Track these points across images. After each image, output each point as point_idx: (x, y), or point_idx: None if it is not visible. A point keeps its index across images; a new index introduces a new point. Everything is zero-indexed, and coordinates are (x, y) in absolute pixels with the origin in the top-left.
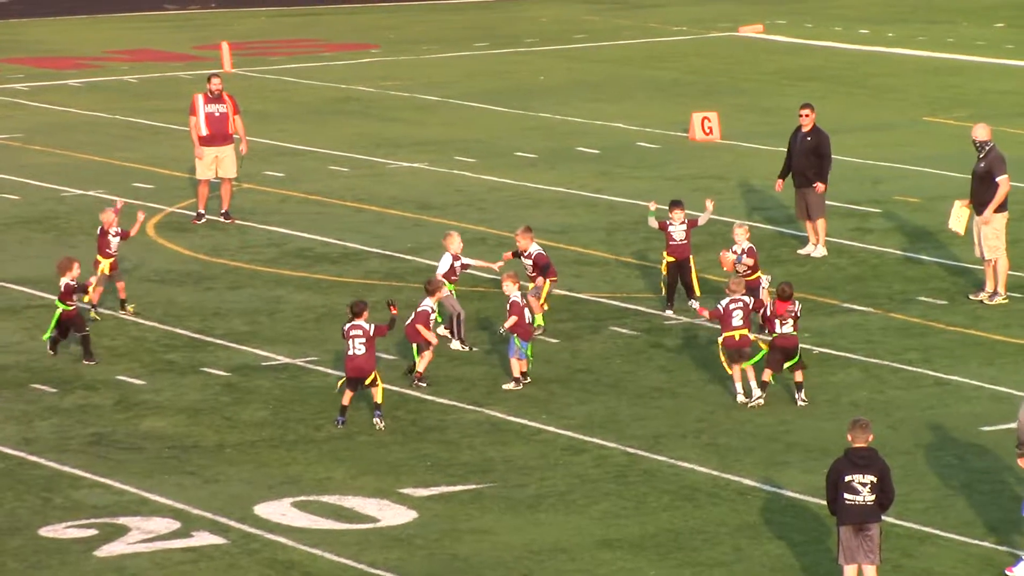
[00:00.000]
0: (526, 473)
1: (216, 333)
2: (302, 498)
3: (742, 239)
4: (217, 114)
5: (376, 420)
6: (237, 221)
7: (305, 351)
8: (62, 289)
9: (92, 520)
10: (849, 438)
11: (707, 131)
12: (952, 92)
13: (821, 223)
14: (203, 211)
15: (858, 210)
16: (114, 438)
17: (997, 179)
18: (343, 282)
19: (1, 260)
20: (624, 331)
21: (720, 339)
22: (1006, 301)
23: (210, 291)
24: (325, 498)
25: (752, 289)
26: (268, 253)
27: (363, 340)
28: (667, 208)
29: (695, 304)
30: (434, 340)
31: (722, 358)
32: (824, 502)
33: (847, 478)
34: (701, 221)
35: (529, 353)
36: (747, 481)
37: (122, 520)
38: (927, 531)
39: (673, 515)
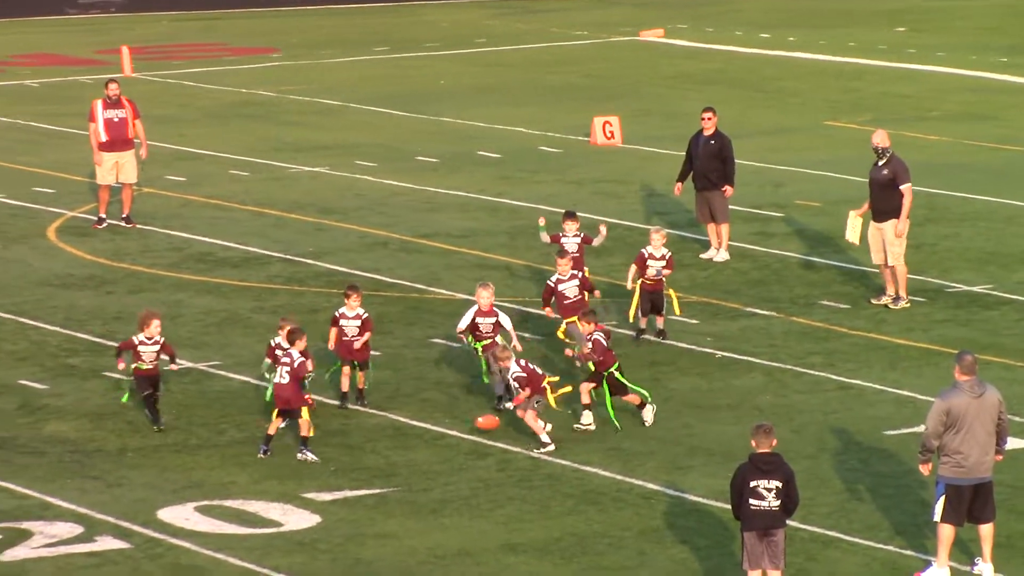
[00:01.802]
0: (430, 477)
1: (118, 337)
2: (205, 502)
3: (659, 244)
4: (116, 119)
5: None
6: (138, 226)
7: (207, 355)
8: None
9: None
10: (753, 443)
11: (608, 135)
12: (853, 96)
13: (725, 227)
14: (104, 215)
15: (760, 214)
16: (17, 442)
17: (901, 187)
18: (245, 286)
19: None
20: (526, 335)
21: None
22: (908, 305)
23: (111, 295)
24: (228, 502)
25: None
26: (169, 257)
27: (288, 370)
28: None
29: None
30: (331, 345)
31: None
32: (728, 506)
33: (752, 483)
34: (595, 243)
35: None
36: (651, 485)
37: (25, 525)
38: (831, 535)
39: (577, 519)
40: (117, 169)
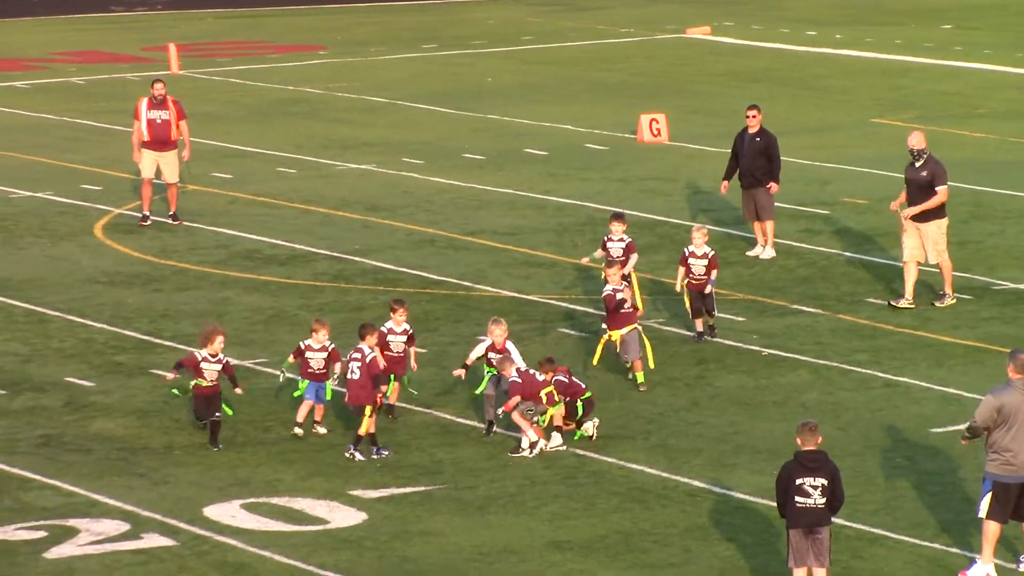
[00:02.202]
0: (476, 475)
1: (165, 335)
2: (252, 500)
3: (701, 243)
4: (159, 120)
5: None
6: (184, 223)
7: (254, 353)
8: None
9: (41, 522)
10: (798, 441)
11: (655, 133)
12: (899, 94)
13: (770, 224)
14: (148, 212)
15: (806, 212)
16: (63, 440)
17: (937, 188)
18: (291, 284)
19: None
20: (572, 332)
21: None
22: (954, 302)
23: (158, 292)
24: (275, 500)
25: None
26: (216, 255)
27: (359, 365)
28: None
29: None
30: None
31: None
32: (774, 504)
33: (798, 481)
34: (627, 269)
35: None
36: (696, 483)
37: (71, 522)
38: (877, 532)
39: (623, 517)
40: (158, 167)
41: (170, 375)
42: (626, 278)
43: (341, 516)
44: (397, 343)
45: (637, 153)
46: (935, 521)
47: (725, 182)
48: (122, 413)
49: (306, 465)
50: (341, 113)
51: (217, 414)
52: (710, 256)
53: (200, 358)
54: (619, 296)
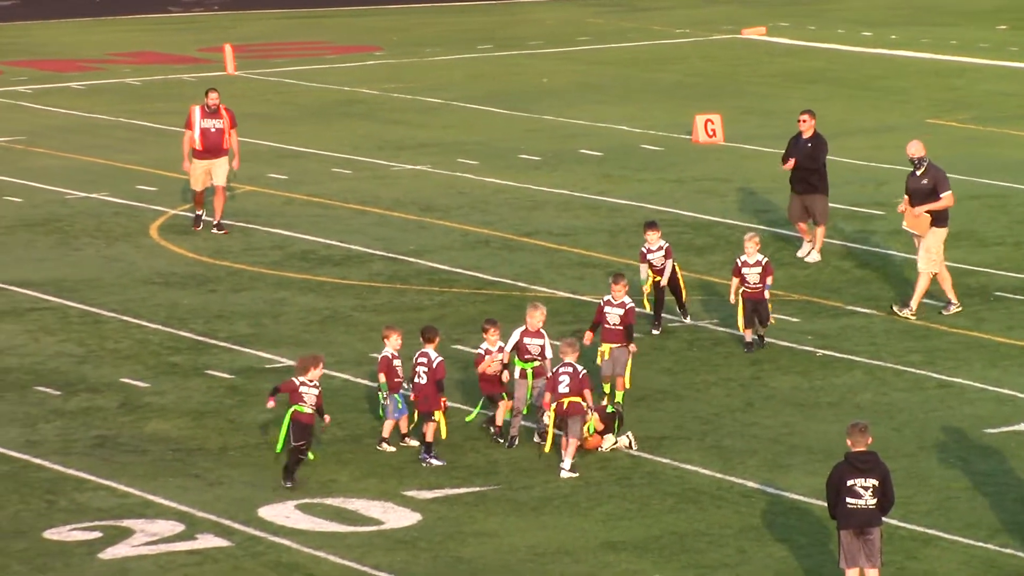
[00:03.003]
0: (530, 476)
1: (220, 336)
2: (306, 500)
3: (753, 251)
4: (213, 129)
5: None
6: (240, 224)
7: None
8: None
9: (96, 523)
10: (849, 442)
11: (710, 133)
12: (955, 94)
13: (822, 230)
14: (200, 213)
15: (862, 212)
16: (118, 441)
17: (942, 195)
18: (347, 284)
19: (4, 263)
20: None
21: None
22: (960, 309)
23: (214, 293)
24: (329, 500)
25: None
26: (272, 255)
27: (426, 370)
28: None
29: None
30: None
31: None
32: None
33: (849, 482)
34: (665, 279)
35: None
36: (751, 483)
37: (126, 523)
38: (931, 533)
39: (677, 517)
40: (209, 174)
41: (269, 403)
42: (673, 281)
43: (396, 517)
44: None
45: (692, 154)
46: (989, 522)
47: (789, 162)
48: (177, 414)
49: (360, 466)
50: (397, 114)
51: (304, 449)
52: (764, 263)
53: (298, 383)
54: (608, 310)
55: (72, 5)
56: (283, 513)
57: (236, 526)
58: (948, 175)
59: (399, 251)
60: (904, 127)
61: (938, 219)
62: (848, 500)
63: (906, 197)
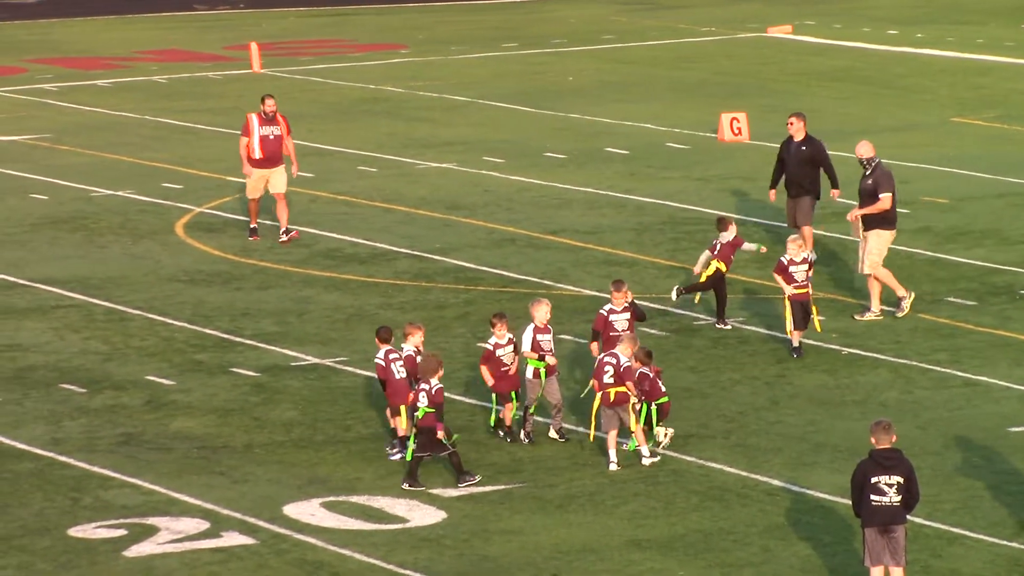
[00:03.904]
0: (555, 474)
1: (245, 333)
2: (331, 498)
3: (796, 251)
4: (271, 136)
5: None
6: (266, 222)
7: (334, 351)
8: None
9: (121, 520)
10: (873, 440)
11: (736, 132)
12: (980, 93)
13: (808, 229)
14: (255, 226)
15: None
16: (143, 438)
17: (881, 195)
18: (372, 282)
19: (30, 260)
20: (653, 332)
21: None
22: (878, 318)
23: (239, 291)
24: (354, 498)
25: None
26: (297, 253)
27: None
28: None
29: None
30: (490, 382)
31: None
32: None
33: (873, 480)
34: (746, 247)
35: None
36: (775, 482)
37: (151, 520)
38: (955, 532)
39: (702, 516)
40: (267, 183)
41: (395, 425)
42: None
43: (420, 515)
44: (507, 356)
45: (718, 152)
46: (1014, 520)
47: (772, 190)
48: (202, 412)
49: (385, 464)
50: (422, 112)
51: (450, 445)
52: (811, 261)
53: (419, 389)
54: (613, 318)
55: (98, 3)
56: (308, 511)
57: (261, 524)
58: (971, 173)
59: (425, 249)
60: (929, 125)
61: (881, 221)
62: (872, 497)
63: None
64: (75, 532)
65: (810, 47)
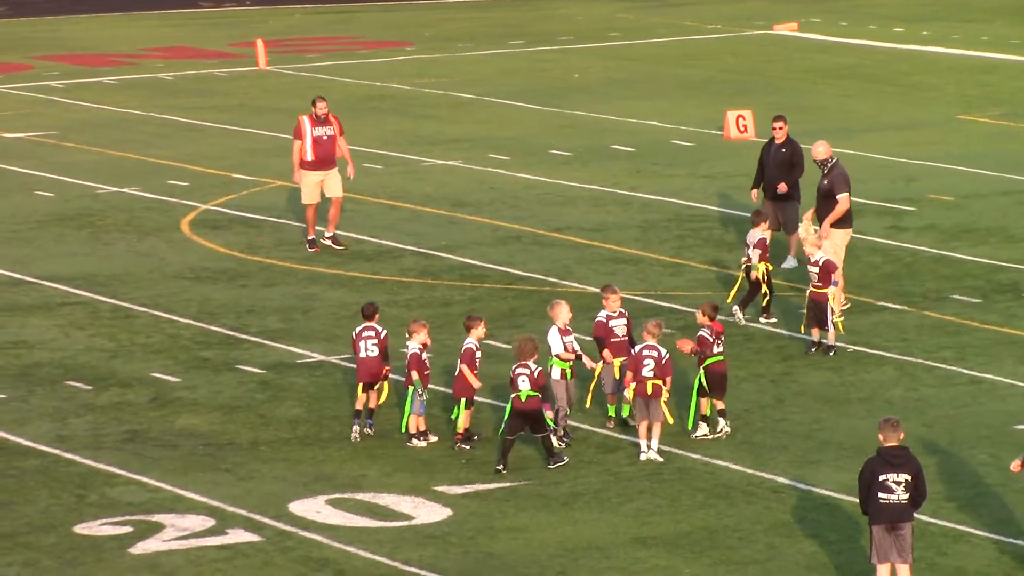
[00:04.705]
0: (561, 471)
1: (251, 330)
2: (337, 496)
3: (811, 251)
4: (325, 138)
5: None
6: (271, 219)
7: (339, 349)
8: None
9: (127, 517)
10: (880, 437)
11: (742, 129)
12: (986, 90)
13: (795, 237)
14: (313, 237)
15: (892, 208)
16: (149, 435)
17: (838, 196)
18: (378, 279)
19: (35, 257)
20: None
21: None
22: (842, 318)
23: (245, 288)
24: (360, 496)
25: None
26: (302, 250)
27: (375, 342)
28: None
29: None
30: (477, 384)
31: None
32: (858, 500)
33: (881, 477)
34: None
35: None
36: (781, 479)
37: (157, 517)
38: (961, 529)
39: (707, 513)
40: (322, 187)
41: (547, 411)
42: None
43: (426, 512)
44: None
45: (723, 150)
46: (1020, 518)
47: (755, 190)
48: (208, 409)
49: (391, 461)
50: (428, 109)
51: (545, 429)
52: (821, 263)
53: (516, 374)
54: (613, 324)
55: (104, 0)
56: (313, 508)
57: (267, 521)
58: (976, 170)
59: (430, 246)
60: (935, 123)
61: (840, 220)
62: (880, 495)
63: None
64: (81, 529)
65: (816, 44)
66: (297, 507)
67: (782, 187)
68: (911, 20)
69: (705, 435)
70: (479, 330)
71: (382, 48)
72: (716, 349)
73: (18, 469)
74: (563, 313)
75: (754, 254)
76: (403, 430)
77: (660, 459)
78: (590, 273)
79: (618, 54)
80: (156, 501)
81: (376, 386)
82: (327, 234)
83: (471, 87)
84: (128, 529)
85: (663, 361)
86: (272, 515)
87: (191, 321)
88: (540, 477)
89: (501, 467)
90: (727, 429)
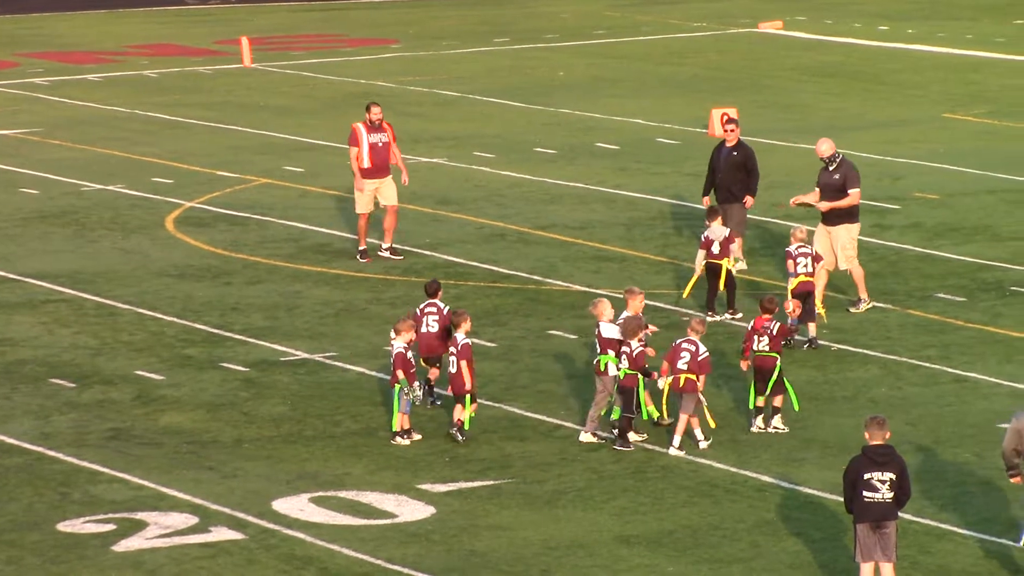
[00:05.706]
0: (544, 469)
1: (235, 328)
2: (320, 494)
3: (801, 239)
4: (380, 144)
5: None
6: (255, 216)
7: (324, 346)
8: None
9: (110, 515)
10: (866, 436)
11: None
12: (971, 89)
13: (739, 242)
14: (365, 247)
15: (877, 207)
16: (132, 433)
17: (850, 191)
18: (362, 277)
19: (20, 254)
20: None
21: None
22: (870, 306)
23: (229, 286)
24: (343, 494)
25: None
26: (287, 248)
27: (436, 318)
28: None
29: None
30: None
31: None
32: (842, 499)
33: (866, 476)
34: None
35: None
36: (765, 478)
37: (140, 515)
38: (945, 528)
39: (691, 511)
40: (376, 195)
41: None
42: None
43: (409, 510)
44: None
45: (708, 147)
46: (1004, 517)
47: (706, 198)
48: (192, 406)
49: (375, 459)
50: (413, 107)
51: (632, 411)
52: (810, 255)
53: (619, 352)
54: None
55: None
56: (297, 506)
57: (250, 519)
58: (961, 168)
59: (415, 244)
60: (920, 121)
61: (847, 216)
62: (865, 494)
63: (816, 191)
64: (64, 527)
65: (801, 42)
66: (280, 505)
67: (749, 201)
68: (896, 18)
69: (761, 429)
70: (467, 325)
71: (367, 46)
72: (762, 344)
73: (1, 467)
74: (607, 309)
75: (721, 249)
76: (392, 428)
77: (681, 452)
78: (575, 271)
79: (603, 52)
80: (139, 499)
81: (437, 363)
82: (384, 245)
83: (456, 85)
84: (111, 527)
85: (699, 357)
86: (255, 513)
87: (175, 319)
88: (523, 476)
89: (619, 446)
90: (780, 428)
